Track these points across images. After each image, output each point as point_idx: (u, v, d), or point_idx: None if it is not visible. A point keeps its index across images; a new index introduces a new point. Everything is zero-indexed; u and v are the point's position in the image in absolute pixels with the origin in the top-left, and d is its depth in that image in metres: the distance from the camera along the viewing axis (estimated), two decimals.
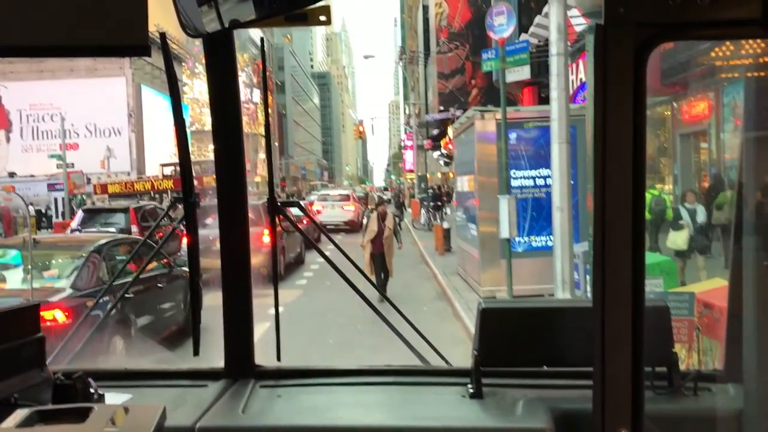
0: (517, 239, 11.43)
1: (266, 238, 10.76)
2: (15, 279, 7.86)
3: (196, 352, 2.30)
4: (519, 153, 11.88)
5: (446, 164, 47.54)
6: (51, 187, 34.44)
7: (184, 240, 2.30)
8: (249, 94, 62.97)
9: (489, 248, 12.00)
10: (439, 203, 30.66)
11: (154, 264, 8.87)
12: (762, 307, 1.73)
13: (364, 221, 14.39)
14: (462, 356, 2.36)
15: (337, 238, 15.76)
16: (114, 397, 2.03)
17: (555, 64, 8.92)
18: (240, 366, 2.31)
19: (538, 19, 18.88)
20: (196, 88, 53.44)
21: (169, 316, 9.23)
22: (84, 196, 31.31)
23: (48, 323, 6.24)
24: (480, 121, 12.22)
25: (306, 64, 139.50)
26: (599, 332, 1.17)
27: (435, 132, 45.85)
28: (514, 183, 11.69)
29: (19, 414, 1.48)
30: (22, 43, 1.43)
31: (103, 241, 8.54)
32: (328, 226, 24.30)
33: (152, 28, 1.50)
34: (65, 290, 7.30)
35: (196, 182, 2.30)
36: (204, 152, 47.80)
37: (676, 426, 1.93)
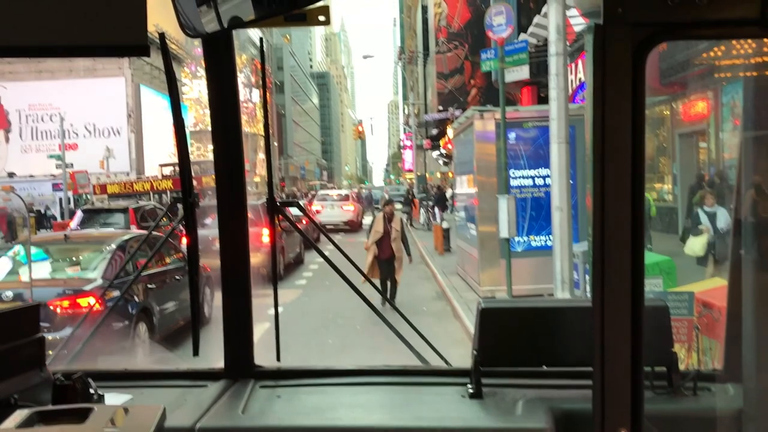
0: (516, 239, 11.42)
1: (266, 238, 10.76)
2: (43, 271, 8.41)
3: (195, 353, 2.30)
4: (518, 153, 11.87)
5: (445, 164, 47.54)
6: (56, 187, 34.49)
7: (184, 240, 2.31)
8: (248, 94, 62.91)
9: (488, 248, 11.99)
10: (447, 203, 30.17)
11: (168, 259, 9.65)
12: (761, 306, 1.73)
13: (365, 221, 14.19)
14: (461, 356, 2.36)
15: (337, 238, 15.74)
16: (114, 398, 2.03)
17: (554, 63, 8.92)
18: (240, 366, 2.31)
19: (537, 19, 18.87)
20: (197, 90, 53.34)
21: (186, 306, 9.46)
22: (88, 196, 31.26)
23: (83, 309, 7.29)
24: (479, 121, 12.20)
25: (305, 64, 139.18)
26: (599, 332, 1.16)
27: (434, 132, 45.80)
28: (514, 183, 11.67)
29: (19, 414, 1.48)
30: (22, 43, 1.43)
31: (126, 237, 9.37)
32: (327, 226, 24.31)
33: (151, 29, 1.50)
34: (96, 280, 8.00)
35: (195, 182, 2.30)
36: (204, 152, 47.77)
37: (676, 426, 1.93)
